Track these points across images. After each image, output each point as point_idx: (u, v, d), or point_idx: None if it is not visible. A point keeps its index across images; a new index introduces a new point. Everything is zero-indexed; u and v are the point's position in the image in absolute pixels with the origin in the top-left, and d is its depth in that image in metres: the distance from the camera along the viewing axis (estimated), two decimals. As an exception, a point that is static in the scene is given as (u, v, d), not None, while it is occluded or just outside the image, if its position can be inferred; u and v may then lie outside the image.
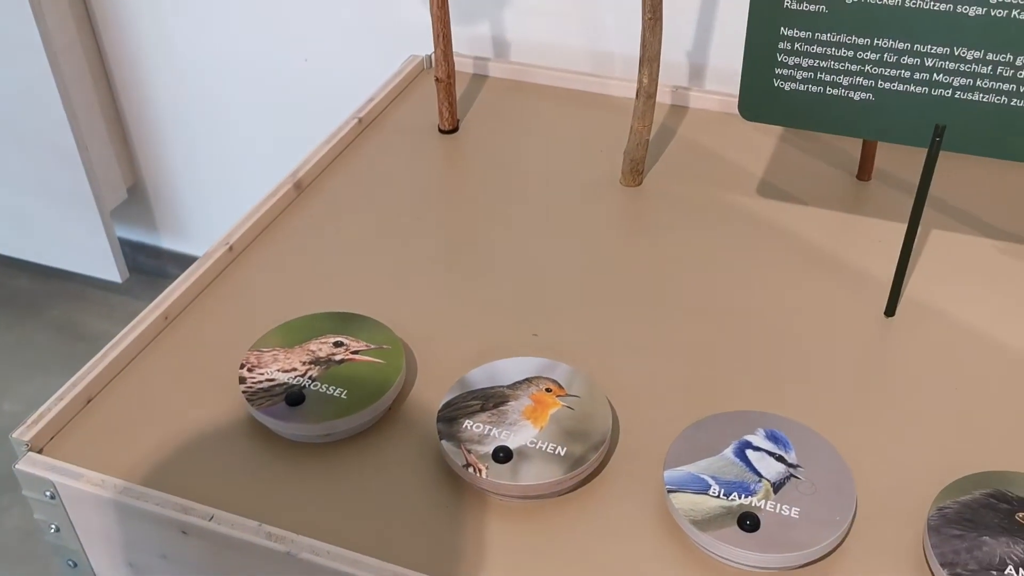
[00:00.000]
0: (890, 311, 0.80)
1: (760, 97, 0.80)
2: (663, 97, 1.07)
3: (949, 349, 0.77)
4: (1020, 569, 0.57)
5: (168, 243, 1.68)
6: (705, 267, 0.86)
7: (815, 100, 0.78)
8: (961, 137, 0.74)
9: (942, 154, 0.75)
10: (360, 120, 1.05)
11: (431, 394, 0.73)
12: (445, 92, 1.03)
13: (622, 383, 0.74)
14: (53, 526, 0.70)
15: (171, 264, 1.67)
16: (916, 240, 0.87)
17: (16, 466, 0.68)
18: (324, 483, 0.68)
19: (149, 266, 1.70)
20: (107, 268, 1.51)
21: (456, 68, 1.04)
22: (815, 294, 0.83)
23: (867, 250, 0.87)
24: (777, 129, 1.03)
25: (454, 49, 1.02)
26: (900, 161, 0.96)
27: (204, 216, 1.61)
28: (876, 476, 0.67)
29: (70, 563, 0.72)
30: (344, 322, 0.77)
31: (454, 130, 1.05)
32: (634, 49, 0.94)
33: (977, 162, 0.96)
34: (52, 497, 0.68)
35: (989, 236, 0.88)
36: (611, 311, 0.82)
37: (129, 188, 1.59)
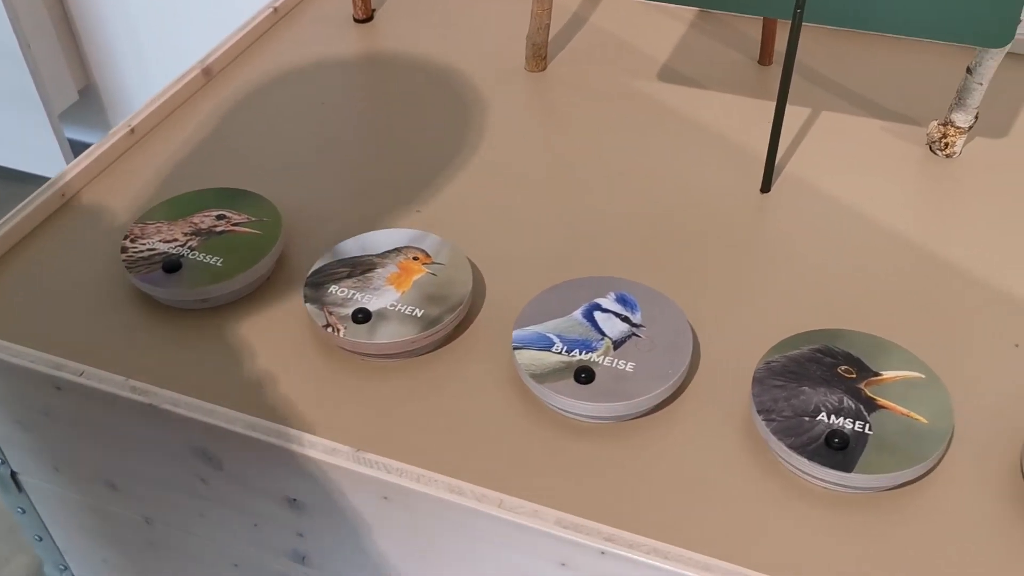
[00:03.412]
0: (765, 187, 0.81)
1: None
2: (578, -14, 1.07)
3: (817, 223, 0.79)
4: (832, 416, 0.60)
5: (124, 146, 1.70)
6: (597, 148, 0.87)
7: (684, -26, 0.79)
8: (822, 9, 0.75)
9: (836, 35, 0.75)
10: (276, 10, 1.06)
11: (309, 264, 0.76)
12: (356, -20, 1.03)
13: (496, 255, 0.77)
14: (-54, 387, 0.73)
15: (128, 167, 1.69)
16: (804, 121, 0.88)
17: (-96, 328, 0.71)
18: (199, 345, 0.71)
19: (107, 169, 1.72)
20: (57, 169, 1.53)
21: (371, -42, 1.04)
22: (700, 173, 0.84)
23: (760, 132, 0.88)
24: (688, 15, 1.03)
25: (367, -63, 1.02)
26: (802, 46, 0.97)
27: (156, 118, 1.63)
28: (721, 338, 0.69)
29: (-32, 423, 0.76)
30: (230, 197, 0.79)
31: (368, 19, 1.06)
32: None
33: (868, 44, 0.96)
34: (-61, 357, 0.71)
35: (877, 116, 0.89)
36: (497, 188, 0.83)
37: (81, 90, 1.60)
